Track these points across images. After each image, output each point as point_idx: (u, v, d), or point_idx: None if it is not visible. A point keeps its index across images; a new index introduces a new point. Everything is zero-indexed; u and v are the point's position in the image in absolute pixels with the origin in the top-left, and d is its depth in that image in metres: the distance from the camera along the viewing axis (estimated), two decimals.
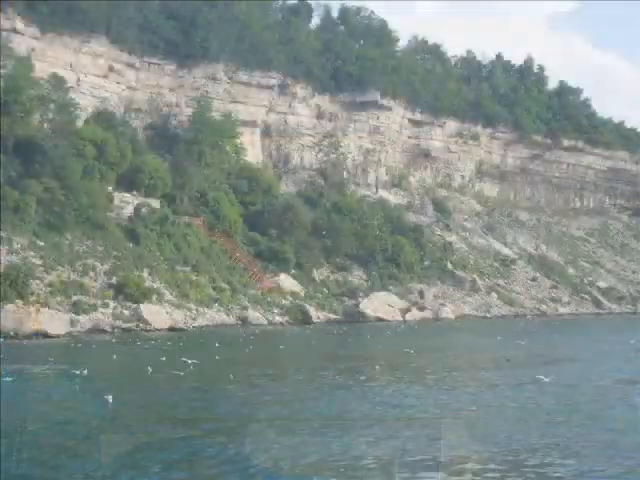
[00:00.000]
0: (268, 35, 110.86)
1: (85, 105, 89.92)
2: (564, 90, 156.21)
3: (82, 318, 63.44)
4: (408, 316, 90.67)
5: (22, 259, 65.98)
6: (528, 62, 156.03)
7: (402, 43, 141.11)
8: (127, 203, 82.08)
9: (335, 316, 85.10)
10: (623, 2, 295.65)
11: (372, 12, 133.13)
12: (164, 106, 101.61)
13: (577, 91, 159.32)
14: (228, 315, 75.42)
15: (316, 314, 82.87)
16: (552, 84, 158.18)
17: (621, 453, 22.27)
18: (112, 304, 66.81)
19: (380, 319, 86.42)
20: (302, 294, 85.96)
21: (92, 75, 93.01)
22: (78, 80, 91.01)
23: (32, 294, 62.34)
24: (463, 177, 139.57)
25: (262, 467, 20.43)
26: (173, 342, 56.37)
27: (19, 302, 60.22)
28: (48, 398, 31.25)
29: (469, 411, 28.46)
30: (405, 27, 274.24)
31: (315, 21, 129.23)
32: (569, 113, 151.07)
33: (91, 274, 69.72)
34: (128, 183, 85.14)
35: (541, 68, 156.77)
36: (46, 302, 62.17)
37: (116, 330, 63.69)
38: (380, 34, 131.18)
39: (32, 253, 67.77)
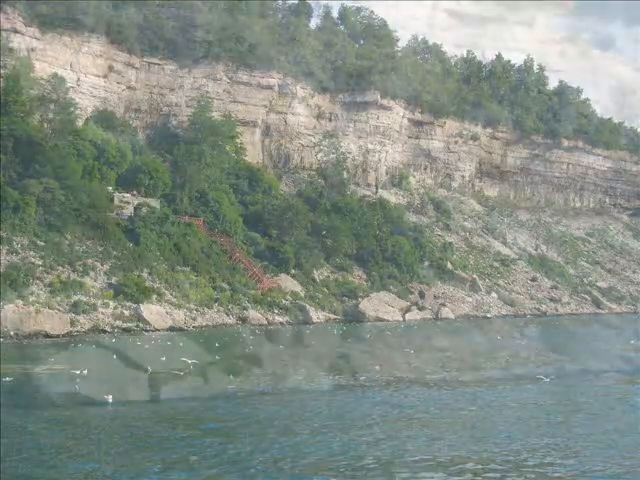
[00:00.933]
0: (268, 35, 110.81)
1: (85, 105, 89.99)
2: (564, 90, 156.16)
3: (82, 318, 63.46)
4: (408, 316, 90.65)
5: (22, 259, 65.98)
6: (528, 62, 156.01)
7: (402, 43, 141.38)
8: (127, 203, 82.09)
9: (335, 316, 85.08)
10: (623, 2, 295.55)
11: (372, 12, 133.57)
12: (164, 106, 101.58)
13: (577, 91, 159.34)
14: (228, 315, 75.40)
15: (316, 314, 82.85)
16: (552, 84, 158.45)
17: (621, 453, 22.28)
18: (112, 304, 66.80)
19: (380, 319, 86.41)
20: (302, 294, 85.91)
21: (92, 75, 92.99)
22: (78, 80, 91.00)
23: (32, 294, 62.38)
24: (463, 177, 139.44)
25: (262, 467, 20.43)
26: (173, 342, 56.36)
27: (19, 302, 60.30)
28: (48, 398, 31.22)
29: (469, 411, 28.44)
30: (405, 27, 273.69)
31: (315, 21, 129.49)
32: (569, 113, 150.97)
33: (91, 274, 69.73)
34: (128, 183, 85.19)
35: (541, 68, 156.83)
36: (46, 302, 62.19)
37: (116, 330, 63.71)
38: (380, 34, 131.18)
39: (32, 253, 67.76)
